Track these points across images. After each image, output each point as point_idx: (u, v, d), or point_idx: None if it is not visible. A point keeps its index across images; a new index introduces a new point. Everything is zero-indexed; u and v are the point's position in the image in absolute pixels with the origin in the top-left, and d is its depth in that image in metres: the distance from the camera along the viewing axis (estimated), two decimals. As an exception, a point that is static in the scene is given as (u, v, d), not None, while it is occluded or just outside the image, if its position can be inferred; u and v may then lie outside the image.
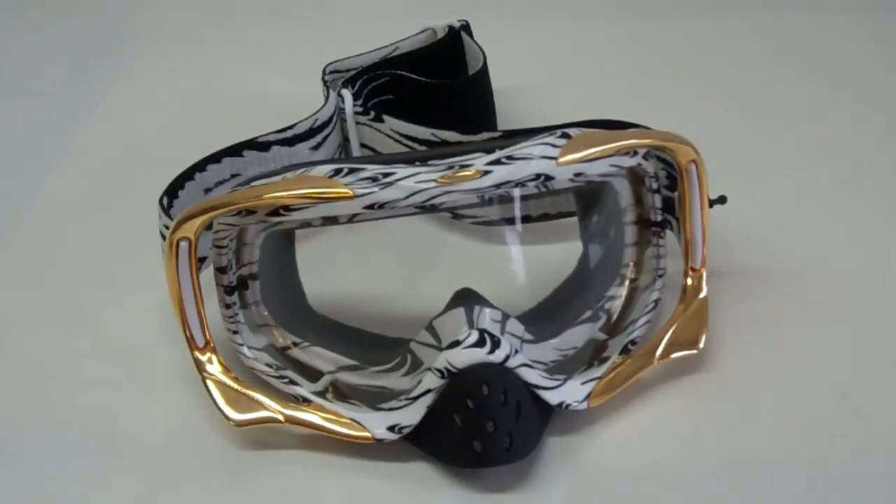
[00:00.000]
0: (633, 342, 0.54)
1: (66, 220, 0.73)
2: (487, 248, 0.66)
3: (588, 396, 0.51)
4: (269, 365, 0.53)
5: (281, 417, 0.51)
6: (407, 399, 0.50)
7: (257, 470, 0.51)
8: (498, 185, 0.48)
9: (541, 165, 0.49)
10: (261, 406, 0.51)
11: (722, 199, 0.56)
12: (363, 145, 0.69)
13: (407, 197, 0.48)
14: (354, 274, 0.63)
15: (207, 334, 0.52)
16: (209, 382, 0.52)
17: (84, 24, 1.07)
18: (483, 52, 0.75)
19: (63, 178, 0.79)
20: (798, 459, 0.50)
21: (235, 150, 0.63)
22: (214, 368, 0.52)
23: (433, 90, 0.71)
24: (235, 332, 0.53)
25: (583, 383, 0.52)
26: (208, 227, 0.50)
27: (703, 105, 0.82)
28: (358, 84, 0.70)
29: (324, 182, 0.48)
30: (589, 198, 0.58)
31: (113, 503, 0.51)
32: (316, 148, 0.66)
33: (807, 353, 0.56)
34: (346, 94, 0.68)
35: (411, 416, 0.50)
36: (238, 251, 0.52)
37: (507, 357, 0.48)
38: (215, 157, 0.62)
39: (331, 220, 0.51)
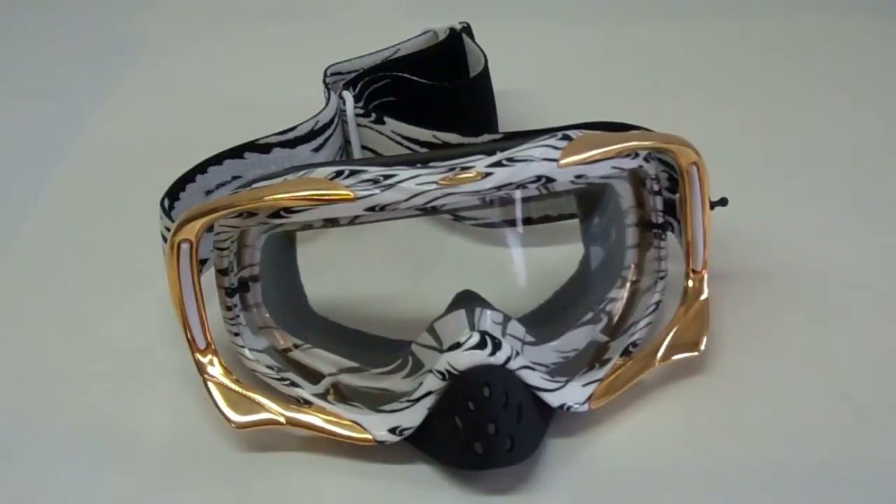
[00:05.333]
0: (634, 344, 0.54)
1: (67, 223, 0.73)
2: (488, 250, 0.66)
3: (589, 398, 0.51)
4: (270, 367, 0.53)
5: (282, 419, 0.51)
6: (408, 401, 0.50)
7: (258, 472, 0.51)
8: (499, 187, 0.48)
9: (542, 167, 0.49)
10: (262, 408, 0.51)
11: (723, 202, 0.56)
12: (364, 147, 0.69)
13: (408, 199, 0.48)
14: (355, 276, 0.63)
15: (208, 336, 0.52)
16: (210, 384, 0.52)
17: (85, 27, 1.07)
18: (484, 54, 0.75)
19: (64, 180, 0.79)
20: (799, 460, 0.50)
21: (237, 152, 0.63)
22: (215, 370, 0.52)
23: (434, 92, 0.71)
24: (236, 334, 0.53)
25: (584, 385, 0.52)
26: (209, 229, 0.50)
27: (704, 107, 0.82)
28: (359, 86, 0.70)
29: (325, 184, 0.48)
30: (590, 200, 0.58)
31: (114, 505, 0.51)
32: (317, 150, 0.66)
33: (807, 354, 0.56)
34: (348, 95, 0.69)
35: (412, 417, 0.50)
36: (239, 253, 0.52)
37: (509, 359, 0.48)
38: (216, 159, 0.62)
39: (332, 223, 0.51)
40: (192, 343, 0.52)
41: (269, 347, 0.54)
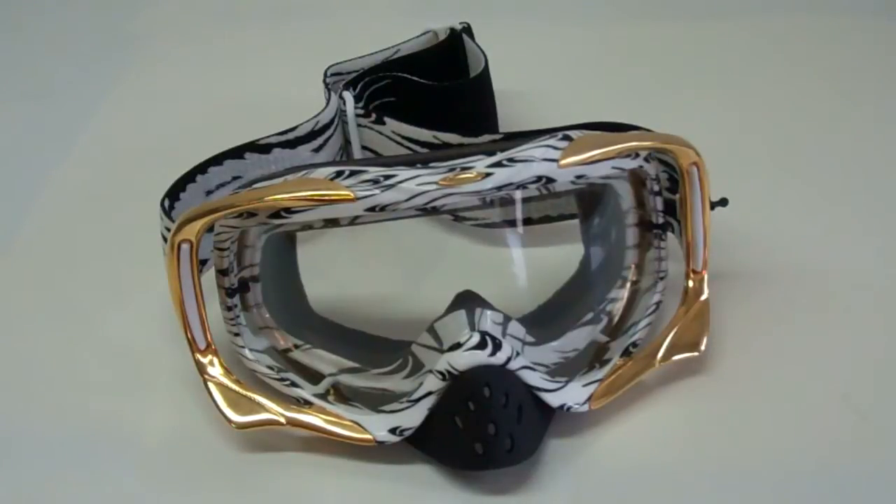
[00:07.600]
0: (634, 344, 0.54)
1: (67, 223, 0.73)
2: (489, 250, 0.66)
3: (589, 399, 0.51)
4: (270, 367, 0.53)
5: (282, 420, 0.51)
6: (408, 401, 0.50)
7: (258, 472, 0.51)
8: (499, 188, 0.48)
9: (542, 168, 0.49)
10: (262, 408, 0.51)
11: (723, 202, 0.56)
12: (364, 147, 0.69)
13: (408, 199, 0.48)
14: (355, 276, 0.63)
15: (209, 336, 0.52)
16: (210, 385, 0.52)
17: (86, 26, 1.07)
18: (484, 54, 0.75)
19: (64, 180, 0.79)
20: (799, 461, 0.50)
21: (237, 153, 0.63)
22: (216, 371, 0.52)
23: (434, 92, 0.71)
24: (237, 335, 0.53)
25: (584, 385, 0.52)
26: (210, 229, 0.50)
27: (705, 107, 0.82)
28: (359, 86, 0.70)
29: (325, 184, 0.48)
30: (590, 200, 0.58)
31: (114, 505, 0.51)
32: (317, 150, 0.66)
33: (807, 354, 0.56)
34: (348, 96, 0.68)
35: (413, 418, 0.50)
36: (239, 253, 0.52)
37: (509, 359, 0.48)
38: (217, 160, 0.62)
39: (332, 223, 0.51)
40: (192, 343, 0.52)
41: (269, 348, 0.54)
